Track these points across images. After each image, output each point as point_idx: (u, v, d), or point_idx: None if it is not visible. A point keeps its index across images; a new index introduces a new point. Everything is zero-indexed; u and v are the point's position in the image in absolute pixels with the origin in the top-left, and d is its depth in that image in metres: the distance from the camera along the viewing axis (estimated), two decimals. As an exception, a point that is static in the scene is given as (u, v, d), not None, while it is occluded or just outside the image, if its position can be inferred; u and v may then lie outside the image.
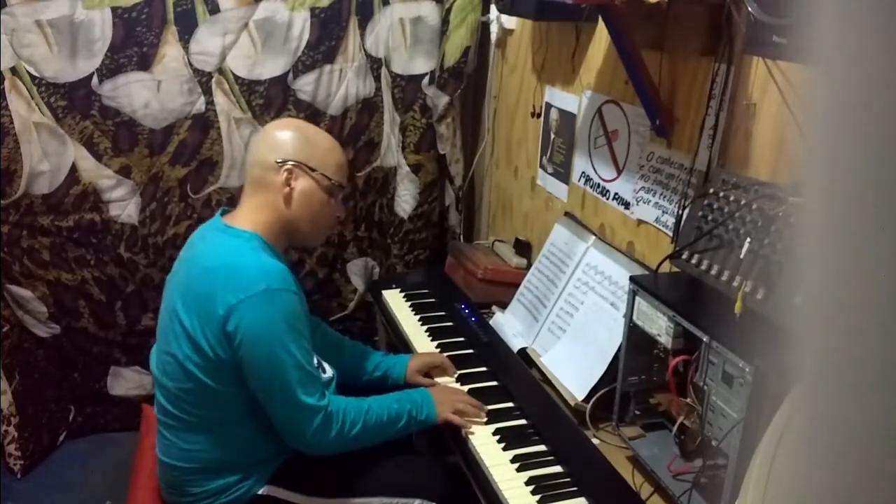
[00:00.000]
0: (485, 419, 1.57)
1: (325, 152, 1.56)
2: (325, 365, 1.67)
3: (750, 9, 1.21)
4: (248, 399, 1.45)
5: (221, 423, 1.48)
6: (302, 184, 1.52)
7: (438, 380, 1.75)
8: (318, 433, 1.44)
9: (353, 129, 2.45)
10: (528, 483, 1.39)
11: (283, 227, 1.53)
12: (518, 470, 1.43)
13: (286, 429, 1.47)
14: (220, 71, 2.25)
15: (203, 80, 2.24)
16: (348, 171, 1.62)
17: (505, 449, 1.49)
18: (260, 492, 1.51)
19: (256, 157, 1.55)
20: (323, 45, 2.30)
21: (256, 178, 1.53)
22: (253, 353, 1.39)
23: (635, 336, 1.42)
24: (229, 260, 1.43)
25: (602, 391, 1.57)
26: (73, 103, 2.17)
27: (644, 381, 1.47)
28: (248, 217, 1.51)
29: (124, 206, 2.31)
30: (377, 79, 2.44)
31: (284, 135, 1.54)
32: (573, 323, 1.77)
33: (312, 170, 1.53)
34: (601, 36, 1.84)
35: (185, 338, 1.42)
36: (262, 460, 1.51)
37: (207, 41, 2.20)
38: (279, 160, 1.50)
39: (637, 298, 1.40)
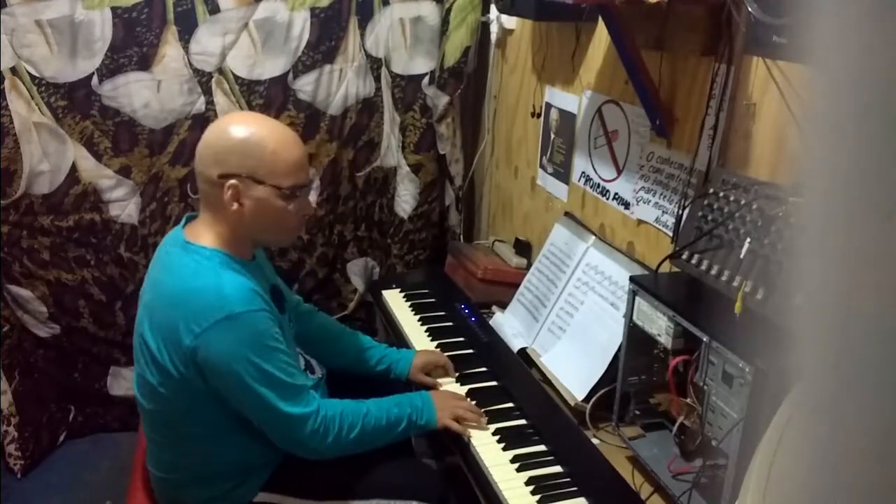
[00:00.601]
0: (484, 427, 1.56)
1: (272, 157, 1.38)
2: (314, 364, 1.66)
3: (750, 9, 1.21)
4: (230, 413, 1.42)
5: (207, 437, 1.45)
6: (251, 199, 1.39)
7: (439, 381, 1.75)
8: (314, 439, 1.42)
9: (353, 129, 2.45)
10: (528, 483, 1.39)
11: (246, 238, 1.45)
12: (518, 470, 1.43)
13: (281, 441, 1.45)
14: (221, 71, 2.25)
15: (203, 80, 2.24)
16: (308, 161, 1.46)
17: (505, 449, 1.49)
18: (255, 499, 1.50)
19: (199, 169, 1.41)
20: (323, 45, 2.30)
21: (204, 192, 1.42)
22: (226, 381, 1.36)
23: (635, 336, 1.42)
24: (190, 285, 1.36)
25: (602, 391, 1.57)
26: (73, 103, 2.17)
27: (644, 381, 1.47)
28: (208, 231, 1.42)
29: (124, 206, 2.31)
30: (377, 79, 2.44)
31: (223, 143, 1.38)
32: (573, 323, 1.77)
33: (260, 182, 1.38)
34: (601, 36, 1.84)
35: (154, 365, 1.39)
36: (255, 466, 1.50)
37: (207, 41, 2.20)
38: (221, 175, 1.37)
39: (637, 298, 1.40)
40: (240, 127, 1.40)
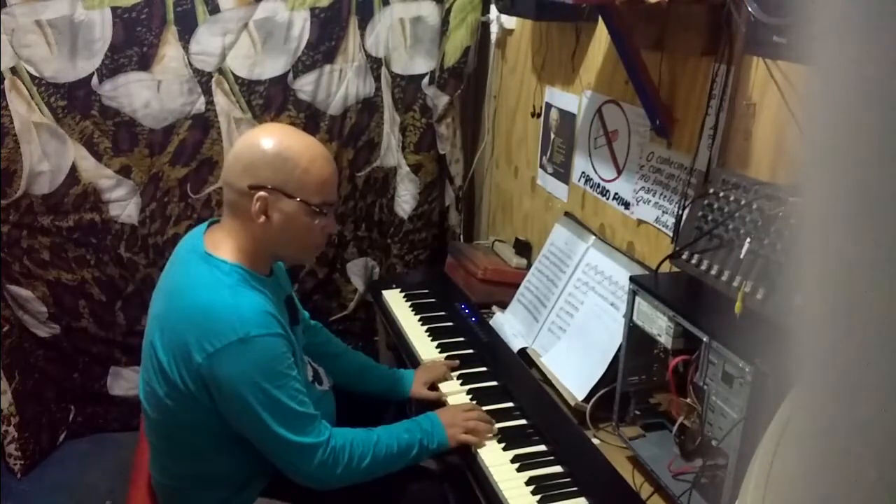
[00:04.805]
0: (496, 433, 1.54)
1: (304, 173, 1.37)
2: (323, 375, 1.65)
3: (750, 9, 1.21)
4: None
5: (211, 447, 1.44)
6: (279, 212, 1.38)
7: (441, 385, 1.74)
8: (322, 469, 1.39)
9: (353, 129, 2.45)
10: (528, 483, 1.39)
11: (267, 252, 1.44)
12: (518, 470, 1.43)
13: (288, 470, 1.42)
14: (220, 71, 2.25)
15: (203, 80, 2.24)
16: (338, 180, 1.47)
17: (505, 449, 1.49)
18: None
19: (228, 178, 1.40)
20: (323, 45, 2.30)
21: (230, 202, 1.40)
22: (233, 404, 1.33)
23: (635, 336, 1.42)
24: (206, 301, 1.33)
25: (602, 391, 1.57)
26: (73, 103, 2.17)
27: (644, 381, 1.47)
28: (229, 243, 1.40)
29: (124, 206, 2.31)
30: (377, 79, 2.44)
31: (256, 154, 1.37)
32: (573, 323, 1.77)
33: (290, 196, 1.38)
34: (601, 36, 1.84)
35: (162, 376, 1.37)
36: (256, 474, 1.49)
37: (207, 41, 2.20)
38: (251, 186, 1.36)
39: (637, 298, 1.40)
40: (273, 140, 1.39)
